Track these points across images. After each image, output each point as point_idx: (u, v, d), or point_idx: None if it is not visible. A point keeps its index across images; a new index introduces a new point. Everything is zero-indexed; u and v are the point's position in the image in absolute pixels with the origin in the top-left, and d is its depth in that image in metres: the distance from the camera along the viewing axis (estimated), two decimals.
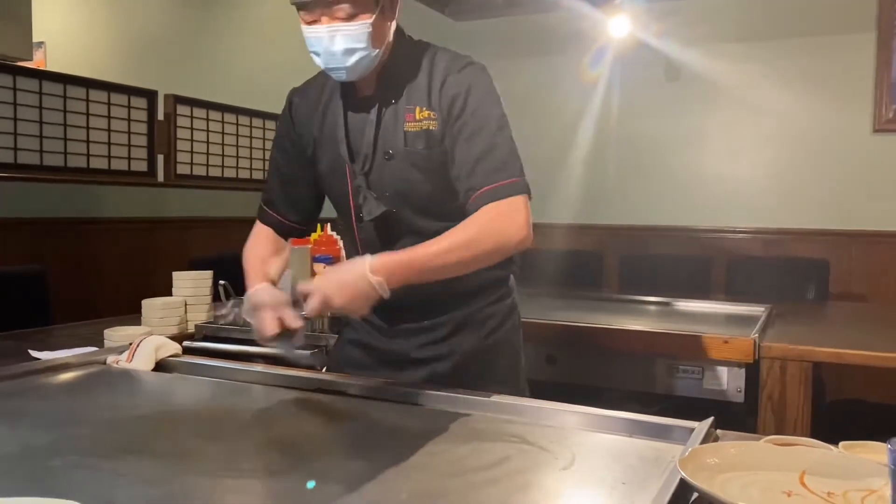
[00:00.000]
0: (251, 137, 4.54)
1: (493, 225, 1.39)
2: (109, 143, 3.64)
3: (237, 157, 4.45)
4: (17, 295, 2.36)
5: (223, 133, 4.34)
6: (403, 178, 1.47)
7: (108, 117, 3.64)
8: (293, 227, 1.67)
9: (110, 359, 1.66)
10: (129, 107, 3.76)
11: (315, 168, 1.59)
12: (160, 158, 3.95)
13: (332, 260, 2.17)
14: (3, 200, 3.13)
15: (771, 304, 2.69)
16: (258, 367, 1.65)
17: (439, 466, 1.06)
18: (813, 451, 1.02)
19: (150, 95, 3.87)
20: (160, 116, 3.94)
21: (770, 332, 2.27)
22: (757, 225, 3.90)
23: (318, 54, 1.41)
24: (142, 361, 1.63)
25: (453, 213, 1.46)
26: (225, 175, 4.36)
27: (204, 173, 4.22)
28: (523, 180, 1.43)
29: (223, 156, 4.35)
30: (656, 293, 3.06)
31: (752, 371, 2.12)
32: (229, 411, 1.38)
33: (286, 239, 1.68)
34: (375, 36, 1.40)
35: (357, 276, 1.30)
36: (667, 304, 2.95)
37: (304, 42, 1.43)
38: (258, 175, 4.59)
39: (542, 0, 3.31)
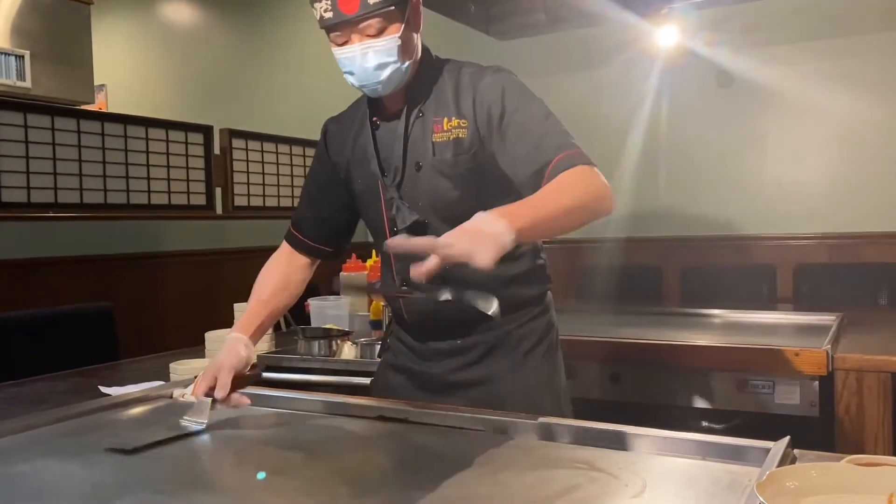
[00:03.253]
0: (305, 167, 4.62)
1: (589, 184, 1.33)
2: (169, 179, 3.75)
3: (292, 185, 4.53)
4: (85, 332, 2.43)
5: (278, 163, 4.43)
6: (433, 187, 1.49)
7: (167, 154, 3.75)
8: (320, 250, 1.71)
9: (176, 392, 1.69)
10: (186, 143, 3.86)
11: (351, 189, 1.63)
12: (218, 191, 4.05)
13: None
14: (70, 239, 3.24)
15: (842, 313, 2.59)
16: (320, 396, 1.66)
17: (508, 497, 1.04)
18: None
19: (205, 131, 3.98)
20: (216, 150, 4.03)
21: (843, 343, 2.18)
22: (822, 230, 3.77)
23: (352, 73, 1.45)
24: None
25: None
26: (281, 204, 4.44)
27: (261, 203, 4.30)
28: (584, 153, 1.39)
29: (279, 185, 4.44)
30: (720, 305, 2.98)
31: (826, 384, 2.04)
32: (293, 442, 1.39)
33: (316, 259, 1.71)
34: (404, 49, 1.43)
35: (480, 221, 1.20)
36: (732, 316, 2.87)
37: None
38: None
39: (587, 14, 3.27)
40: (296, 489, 1.11)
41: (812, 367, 2.02)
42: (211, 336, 2.14)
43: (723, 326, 2.79)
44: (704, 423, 2.19)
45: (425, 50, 1.54)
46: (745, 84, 3.89)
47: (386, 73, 1.43)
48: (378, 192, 1.55)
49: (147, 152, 3.64)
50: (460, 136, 1.46)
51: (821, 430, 2.03)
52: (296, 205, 4.55)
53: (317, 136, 4.97)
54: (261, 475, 1.14)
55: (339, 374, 1.95)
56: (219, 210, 4.06)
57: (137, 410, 1.60)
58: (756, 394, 2.13)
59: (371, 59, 1.41)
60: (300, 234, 1.71)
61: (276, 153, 4.42)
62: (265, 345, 2.21)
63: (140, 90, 6.15)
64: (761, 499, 0.86)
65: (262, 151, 4.32)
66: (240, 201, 4.16)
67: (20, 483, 1.15)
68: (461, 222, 1.38)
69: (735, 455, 1.16)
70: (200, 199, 3.94)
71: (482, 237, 1.16)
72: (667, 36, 3.64)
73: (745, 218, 3.95)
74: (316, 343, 2.06)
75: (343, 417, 1.51)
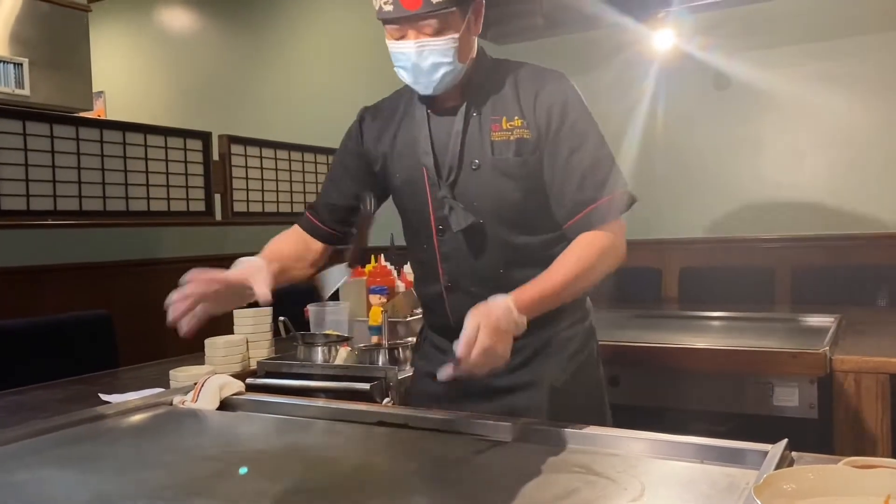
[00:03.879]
0: (304, 172, 4.63)
1: (608, 249, 1.42)
2: (168, 186, 3.75)
3: (291, 191, 4.53)
4: (85, 339, 2.43)
5: (276, 169, 4.44)
6: (493, 187, 1.46)
7: (166, 160, 3.76)
8: (323, 231, 1.63)
9: (176, 399, 1.69)
10: (185, 149, 3.87)
11: (388, 183, 1.58)
12: (217, 197, 4.05)
13: (386, 291, 2.18)
14: (70, 247, 3.24)
15: (840, 314, 2.60)
16: (320, 402, 1.66)
17: (507, 501, 1.04)
18: None
19: (204, 137, 3.98)
20: (215, 157, 4.04)
21: (842, 344, 2.19)
22: (820, 232, 3.77)
23: (404, 69, 1.42)
24: (207, 401, 1.65)
25: (540, 226, 1.48)
26: (280, 210, 4.44)
27: (260, 209, 4.31)
28: (628, 193, 1.46)
29: (277, 191, 4.44)
30: (719, 307, 2.99)
31: (825, 385, 2.04)
32: (293, 449, 1.39)
33: (323, 243, 1.64)
34: (462, 50, 1.41)
35: (504, 317, 1.27)
36: (731, 318, 2.87)
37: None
38: None
39: (585, 18, 3.29)
40: (293, 497, 1.11)
41: (811, 369, 2.02)
42: (210, 343, 2.14)
43: (722, 328, 2.80)
44: (703, 426, 2.19)
45: (481, 49, 1.52)
46: (741, 87, 3.91)
47: (440, 74, 1.40)
48: (423, 189, 1.50)
49: (146, 159, 3.65)
50: (524, 136, 1.44)
51: (820, 431, 2.04)
52: (295, 210, 4.58)
53: (315, 142, 4.92)
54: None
55: (339, 380, 1.95)
56: (218, 216, 4.07)
57: (138, 418, 1.60)
58: (755, 396, 2.13)
59: (427, 58, 1.38)
60: (311, 216, 1.64)
61: (275, 159, 4.43)
62: (265, 351, 2.22)
63: (139, 96, 6.17)
64: (758, 502, 0.86)
65: (261, 157, 4.33)
66: (239, 207, 4.17)
67: (20, 491, 1.15)
68: (521, 225, 1.47)
69: (733, 458, 1.16)
70: (200, 206, 3.94)
71: (504, 337, 1.26)
72: (663, 39, 3.65)
73: (743, 219, 3.96)
74: (315, 349, 2.07)
75: (342, 423, 1.52)
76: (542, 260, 1.43)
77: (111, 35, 6.17)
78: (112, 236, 3.45)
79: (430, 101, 1.51)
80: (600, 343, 2.27)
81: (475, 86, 1.48)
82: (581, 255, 1.40)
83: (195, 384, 1.71)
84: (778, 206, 3.87)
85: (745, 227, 3.96)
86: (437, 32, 1.37)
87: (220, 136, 4.11)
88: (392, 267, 2.31)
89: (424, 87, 1.44)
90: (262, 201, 4.33)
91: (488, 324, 1.23)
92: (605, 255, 1.42)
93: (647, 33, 3.61)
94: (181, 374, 1.87)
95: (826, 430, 2.02)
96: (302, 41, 5.42)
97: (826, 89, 3.72)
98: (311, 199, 4.66)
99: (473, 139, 1.47)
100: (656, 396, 2.32)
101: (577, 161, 1.43)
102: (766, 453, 1.11)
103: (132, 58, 6.31)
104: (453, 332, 1.49)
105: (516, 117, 1.45)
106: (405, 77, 1.44)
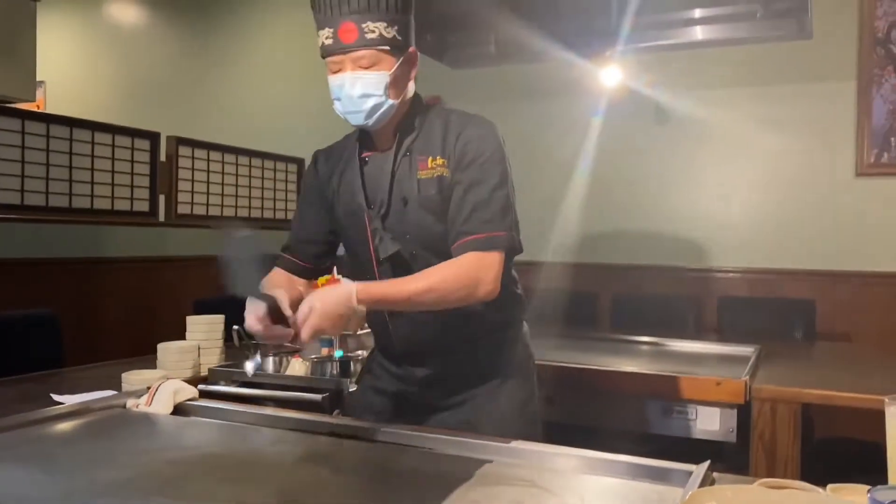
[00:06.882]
0: (250, 177, 4.63)
1: (469, 275, 1.51)
2: (113, 185, 3.72)
3: (236, 195, 4.53)
4: (30, 337, 2.42)
5: (223, 173, 4.44)
6: (418, 222, 1.59)
7: (112, 159, 3.73)
8: (304, 268, 1.77)
9: (130, 402, 1.72)
10: (132, 148, 3.85)
11: (334, 217, 1.71)
12: (162, 198, 4.03)
13: None
14: (10, 242, 3.19)
15: (760, 345, 2.78)
16: (271, 411, 1.72)
17: None
18: (802, 493, 1.09)
19: (152, 137, 3.96)
20: (162, 158, 4.03)
21: (760, 374, 2.35)
22: (745, 265, 4.00)
23: (339, 99, 1.55)
24: (161, 405, 1.69)
25: None
26: (224, 214, 4.44)
27: (204, 213, 4.29)
28: (509, 235, 1.56)
29: (223, 195, 4.44)
30: (648, 332, 3.15)
31: (744, 412, 2.20)
32: (246, 456, 1.45)
33: (301, 277, 1.78)
34: (393, 87, 1.54)
35: (340, 303, 1.42)
36: (659, 344, 3.03)
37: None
38: (257, 213, 4.67)
39: (534, 52, 3.42)
40: (248, 499, 1.17)
41: (731, 396, 2.18)
42: (163, 348, 2.17)
43: (650, 354, 2.95)
44: (630, 446, 2.32)
45: (417, 96, 1.65)
46: (680, 122, 4.11)
47: (369, 104, 1.52)
48: (363, 223, 1.63)
49: (92, 156, 3.61)
50: (444, 174, 1.57)
51: (738, 454, 2.19)
52: (239, 214, 4.57)
53: (263, 147, 4.94)
54: None
55: (291, 390, 2.01)
56: (161, 217, 4.04)
57: (92, 419, 1.63)
58: (680, 419, 2.28)
59: (358, 87, 1.51)
60: (288, 255, 1.77)
61: (223, 163, 4.43)
62: (216, 357, 2.25)
63: (82, 89, 6.05)
64: None
65: (209, 160, 4.33)
66: (183, 209, 4.15)
67: None
68: (446, 252, 1.57)
69: (662, 476, 1.28)
70: (144, 206, 3.92)
71: (339, 320, 1.42)
72: (610, 76, 3.82)
73: (674, 250, 4.15)
74: (266, 359, 2.12)
75: (294, 432, 1.58)
76: None
77: (56, 23, 6.03)
78: (54, 232, 3.41)
79: (369, 144, 1.65)
80: (539, 363, 2.39)
81: (406, 129, 1.62)
82: (437, 273, 1.51)
83: (148, 388, 1.74)
84: (708, 238, 4.09)
85: (677, 256, 4.15)
86: (370, 67, 1.51)
87: (169, 137, 4.09)
88: (344, 280, 2.37)
89: (355, 117, 1.56)
90: (207, 204, 4.32)
91: (320, 308, 1.39)
92: (462, 281, 1.51)
93: (595, 69, 3.77)
94: (134, 378, 1.89)
95: (743, 452, 2.18)
96: (256, 49, 5.42)
97: (759, 131, 3.96)
98: (256, 203, 4.69)
99: (403, 177, 1.60)
100: (588, 416, 2.44)
101: (471, 196, 1.54)
102: (690, 473, 1.23)
103: (78, 48, 6.19)
104: (398, 357, 1.70)
105: (439, 157, 1.58)
106: (338, 108, 1.57)
